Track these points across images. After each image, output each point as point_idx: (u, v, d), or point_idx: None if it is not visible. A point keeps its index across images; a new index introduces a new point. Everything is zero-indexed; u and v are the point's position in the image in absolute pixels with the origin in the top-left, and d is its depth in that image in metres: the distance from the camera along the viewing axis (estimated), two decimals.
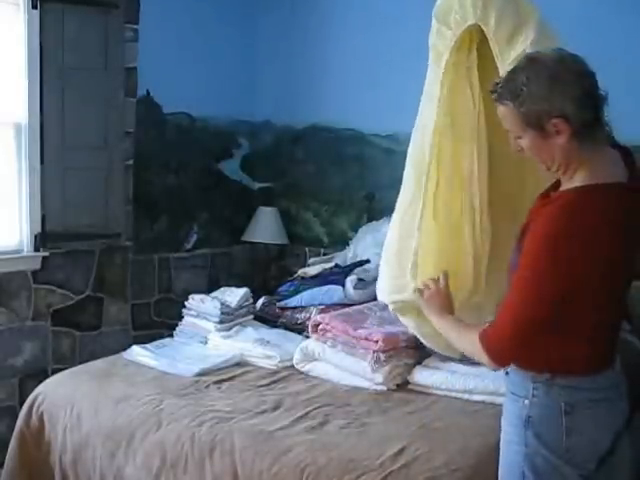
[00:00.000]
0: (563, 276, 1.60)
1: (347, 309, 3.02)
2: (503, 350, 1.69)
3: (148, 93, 3.78)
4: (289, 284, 3.44)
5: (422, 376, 2.66)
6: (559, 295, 1.61)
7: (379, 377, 2.65)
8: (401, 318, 2.29)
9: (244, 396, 2.56)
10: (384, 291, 2.30)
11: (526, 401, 1.70)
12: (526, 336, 1.65)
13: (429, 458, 2.09)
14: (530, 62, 1.66)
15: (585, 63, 1.64)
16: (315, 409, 2.44)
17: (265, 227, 4.17)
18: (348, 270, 3.34)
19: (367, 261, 3.41)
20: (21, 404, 2.74)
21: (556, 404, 1.67)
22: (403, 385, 2.69)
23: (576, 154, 1.64)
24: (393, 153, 3.87)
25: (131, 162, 3.70)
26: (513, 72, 1.67)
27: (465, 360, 2.56)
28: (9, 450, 2.60)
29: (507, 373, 1.79)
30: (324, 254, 4.04)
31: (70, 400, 2.51)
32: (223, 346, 3.01)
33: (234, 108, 4.27)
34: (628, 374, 1.79)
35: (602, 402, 1.68)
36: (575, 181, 1.65)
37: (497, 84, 1.69)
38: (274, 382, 2.73)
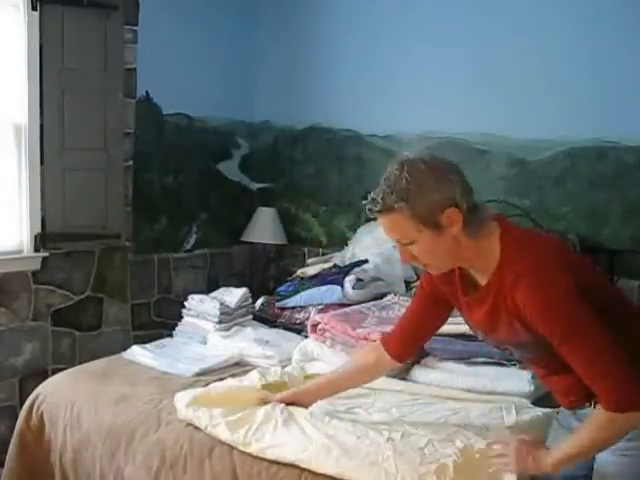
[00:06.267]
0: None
1: (346, 309, 3.03)
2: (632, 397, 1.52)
3: (147, 94, 3.79)
4: (288, 284, 3.44)
5: (420, 375, 2.66)
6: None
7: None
8: None
9: None
10: None
11: None
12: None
13: None
14: (403, 164, 1.62)
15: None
16: None
17: (264, 227, 4.18)
18: (347, 270, 3.34)
19: (365, 261, 3.41)
20: (21, 404, 2.74)
21: None
22: None
23: (469, 241, 1.63)
24: (392, 154, 3.89)
25: (130, 163, 3.72)
26: (389, 179, 1.62)
27: (464, 360, 2.59)
28: (9, 450, 2.60)
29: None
30: (323, 254, 4.05)
31: (70, 400, 2.51)
32: (222, 346, 3.01)
33: (233, 109, 4.28)
34: None
35: None
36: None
37: (374, 200, 1.62)
38: None
